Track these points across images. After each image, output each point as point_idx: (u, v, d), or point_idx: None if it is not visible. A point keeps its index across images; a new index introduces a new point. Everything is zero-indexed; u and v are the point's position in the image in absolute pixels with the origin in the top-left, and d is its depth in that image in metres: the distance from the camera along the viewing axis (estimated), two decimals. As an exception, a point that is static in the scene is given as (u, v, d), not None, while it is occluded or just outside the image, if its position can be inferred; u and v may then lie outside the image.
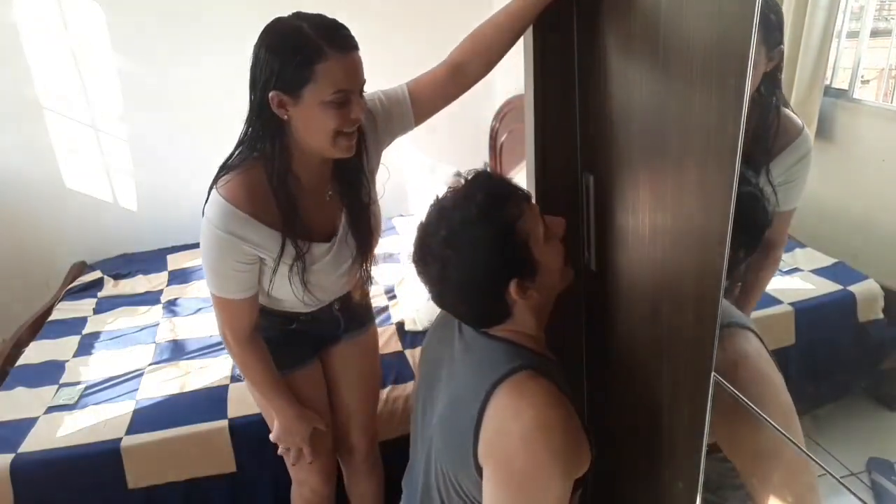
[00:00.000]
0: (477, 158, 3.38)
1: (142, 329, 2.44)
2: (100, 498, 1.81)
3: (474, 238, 0.99)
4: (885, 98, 0.82)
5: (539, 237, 1.03)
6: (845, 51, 0.82)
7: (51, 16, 2.80)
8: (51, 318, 2.58)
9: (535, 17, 1.23)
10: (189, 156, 3.12)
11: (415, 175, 3.30)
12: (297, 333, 1.48)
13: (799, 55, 0.83)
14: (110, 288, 2.80)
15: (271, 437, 1.49)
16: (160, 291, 2.75)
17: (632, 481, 1.33)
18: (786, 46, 0.82)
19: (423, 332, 2.22)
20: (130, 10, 2.87)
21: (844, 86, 0.83)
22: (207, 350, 2.25)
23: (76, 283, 2.85)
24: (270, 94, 1.15)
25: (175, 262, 2.99)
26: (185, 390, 2.03)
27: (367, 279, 1.49)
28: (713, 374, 0.97)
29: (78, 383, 2.10)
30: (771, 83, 0.85)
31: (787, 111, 0.86)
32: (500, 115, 3.14)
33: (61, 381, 2.12)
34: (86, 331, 2.45)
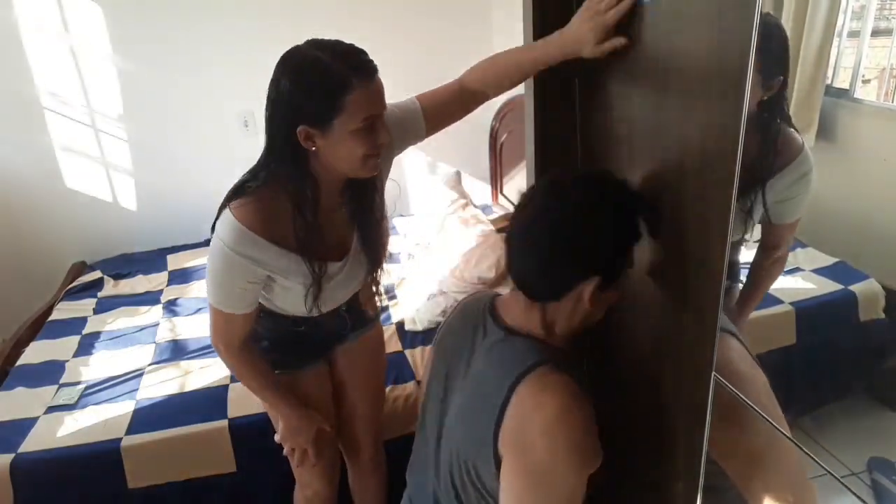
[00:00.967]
0: (477, 158, 3.38)
1: (142, 329, 2.44)
2: (100, 498, 1.81)
3: (605, 215, 1.01)
4: (887, 98, 0.82)
5: (630, 261, 1.06)
6: (846, 50, 0.82)
7: (51, 16, 2.80)
8: (51, 318, 2.58)
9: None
10: (189, 156, 3.12)
11: (415, 175, 3.30)
12: (305, 334, 1.47)
13: (800, 55, 0.83)
14: (110, 288, 2.80)
15: (276, 437, 1.50)
16: (160, 291, 2.75)
17: (632, 481, 1.33)
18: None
19: (423, 332, 2.22)
20: (130, 10, 2.87)
21: (845, 85, 0.83)
22: (207, 350, 2.24)
23: (76, 283, 2.85)
24: (298, 129, 1.13)
25: (175, 262, 2.99)
26: (185, 390, 2.03)
27: (376, 289, 1.50)
28: (713, 374, 0.97)
29: (78, 383, 2.10)
30: (772, 102, 0.85)
31: (789, 130, 0.87)
32: (500, 115, 3.14)
33: (61, 381, 2.12)
34: (86, 331, 2.45)
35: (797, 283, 0.96)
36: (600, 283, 1.02)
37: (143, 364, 2.18)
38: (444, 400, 1.17)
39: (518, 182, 3.05)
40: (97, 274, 2.90)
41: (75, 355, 2.28)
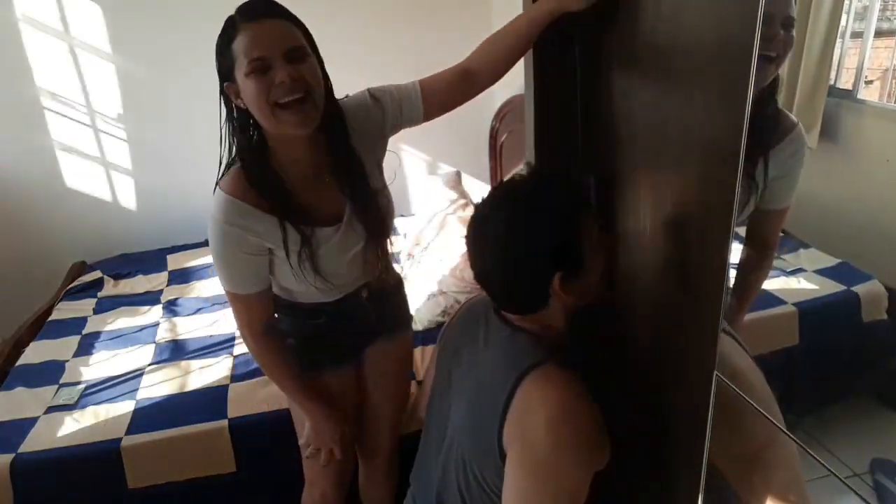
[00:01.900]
0: (477, 158, 3.38)
1: (142, 329, 2.43)
2: (100, 498, 1.81)
3: (538, 218, 1.02)
4: (890, 98, 0.82)
5: (592, 240, 1.05)
6: (849, 51, 0.82)
7: (50, 16, 2.80)
8: (51, 318, 2.58)
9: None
10: (189, 155, 3.11)
11: (415, 175, 3.30)
12: (329, 331, 1.47)
13: (803, 56, 0.83)
14: (110, 288, 2.80)
15: (301, 442, 1.50)
16: (160, 291, 2.75)
17: (632, 481, 1.33)
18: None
19: (423, 332, 2.22)
20: (130, 10, 2.87)
21: (849, 86, 0.83)
22: (207, 350, 2.24)
23: (76, 283, 2.84)
24: (224, 88, 1.20)
25: (175, 262, 2.99)
26: (185, 390, 2.02)
27: (384, 266, 1.48)
28: (715, 373, 0.97)
29: (78, 383, 2.10)
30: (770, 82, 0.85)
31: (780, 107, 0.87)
32: (500, 115, 3.14)
33: (61, 381, 2.12)
34: (86, 331, 2.45)
35: (800, 283, 0.96)
36: (563, 276, 1.01)
37: (143, 364, 2.18)
38: (449, 399, 1.17)
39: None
40: (97, 274, 2.89)
41: (75, 355, 2.28)
